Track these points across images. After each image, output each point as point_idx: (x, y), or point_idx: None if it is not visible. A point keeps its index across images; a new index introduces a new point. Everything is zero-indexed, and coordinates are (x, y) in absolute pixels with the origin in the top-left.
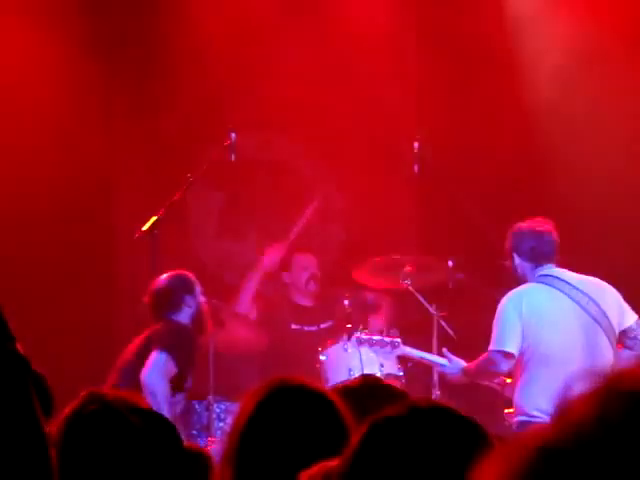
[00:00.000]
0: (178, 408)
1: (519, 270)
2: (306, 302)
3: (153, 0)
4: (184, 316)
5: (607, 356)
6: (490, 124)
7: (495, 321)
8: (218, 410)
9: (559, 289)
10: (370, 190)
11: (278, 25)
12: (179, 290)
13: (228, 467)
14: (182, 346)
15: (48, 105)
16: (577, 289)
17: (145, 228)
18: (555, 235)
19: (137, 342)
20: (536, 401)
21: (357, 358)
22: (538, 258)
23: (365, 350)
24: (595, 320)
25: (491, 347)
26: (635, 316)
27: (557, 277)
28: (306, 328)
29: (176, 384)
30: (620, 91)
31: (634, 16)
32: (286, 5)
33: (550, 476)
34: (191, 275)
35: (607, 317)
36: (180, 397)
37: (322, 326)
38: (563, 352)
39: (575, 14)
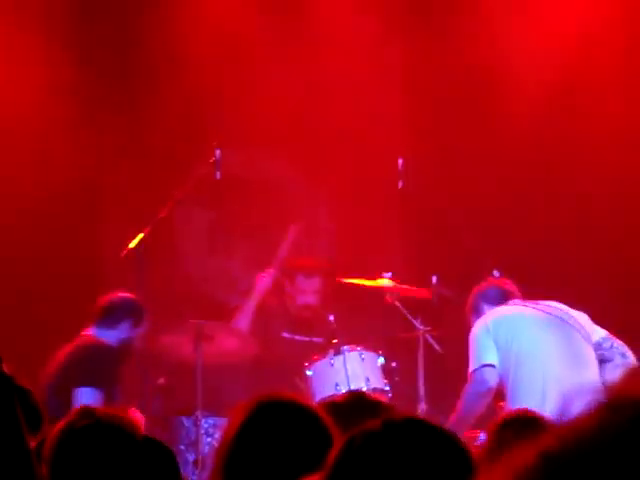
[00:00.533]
0: None
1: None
2: (305, 314)
3: (138, 16)
4: (112, 337)
5: (583, 348)
6: (471, 143)
7: (471, 345)
8: (206, 425)
9: (528, 306)
10: (355, 205)
11: (264, 42)
12: (124, 313)
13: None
14: (102, 370)
15: (31, 117)
16: (546, 305)
17: (132, 245)
18: (514, 286)
19: (61, 358)
20: (520, 395)
21: (343, 373)
22: (504, 299)
23: (351, 365)
24: (570, 325)
25: (471, 368)
26: (604, 331)
27: (525, 304)
28: (297, 337)
29: (107, 400)
30: (597, 121)
31: (611, 48)
32: (272, 23)
33: None
34: (142, 309)
35: (579, 322)
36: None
37: (314, 339)
38: (544, 363)
39: (554, 46)
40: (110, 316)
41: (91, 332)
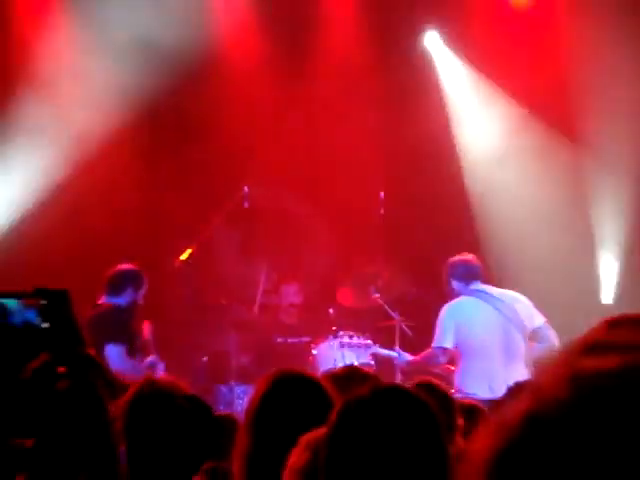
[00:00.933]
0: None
1: (456, 289)
2: (290, 321)
3: (191, 88)
4: (121, 301)
5: (520, 347)
6: (438, 182)
7: (437, 324)
8: (238, 391)
9: (484, 300)
10: (348, 227)
11: (278, 109)
12: (128, 278)
13: (246, 434)
14: (119, 325)
15: (107, 160)
16: (497, 299)
17: (183, 258)
18: (478, 262)
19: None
20: (470, 383)
21: (340, 352)
22: (468, 278)
23: (347, 347)
24: (510, 321)
25: (433, 344)
26: (543, 319)
27: (483, 291)
28: (289, 340)
29: (130, 352)
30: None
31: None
32: (284, 96)
33: (538, 441)
34: (141, 275)
35: (520, 318)
36: (139, 358)
37: (303, 339)
38: (487, 346)
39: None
40: (116, 285)
41: (103, 300)
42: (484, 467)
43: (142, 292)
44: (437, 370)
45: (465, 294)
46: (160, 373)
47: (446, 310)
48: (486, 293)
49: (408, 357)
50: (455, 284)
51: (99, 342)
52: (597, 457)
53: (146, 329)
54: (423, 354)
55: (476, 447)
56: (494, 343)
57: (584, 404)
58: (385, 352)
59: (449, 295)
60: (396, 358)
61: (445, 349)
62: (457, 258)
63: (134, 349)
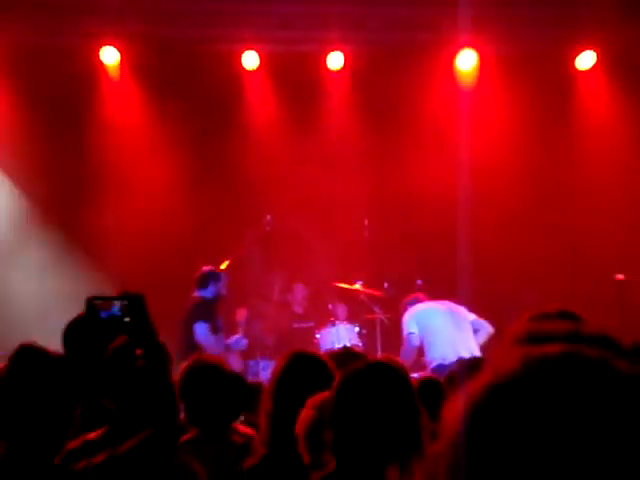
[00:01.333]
0: (220, 343)
1: (409, 305)
2: (299, 311)
3: (225, 139)
4: (207, 293)
5: (469, 330)
6: (412, 210)
7: (404, 320)
8: (262, 365)
9: (427, 303)
10: (342, 245)
11: (292, 159)
12: (210, 277)
13: (269, 397)
14: (205, 309)
15: (174, 198)
16: (439, 303)
17: (222, 267)
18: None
19: (185, 310)
20: (435, 355)
21: (337, 336)
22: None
23: (341, 332)
24: (458, 314)
25: (403, 333)
26: (474, 315)
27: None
28: (303, 325)
29: (213, 329)
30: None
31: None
32: (295, 142)
33: (498, 402)
34: (218, 273)
35: (460, 309)
36: (221, 335)
37: (309, 324)
38: (442, 325)
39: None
40: (201, 282)
41: (195, 293)
42: (459, 425)
43: (221, 286)
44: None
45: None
46: (243, 348)
47: (409, 311)
48: (429, 302)
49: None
50: (407, 305)
51: (191, 322)
52: (544, 414)
53: (240, 314)
54: (403, 349)
55: (451, 409)
56: (447, 323)
57: (533, 376)
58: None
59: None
60: None
61: (412, 333)
62: (409, 296)
63: (217, 328)
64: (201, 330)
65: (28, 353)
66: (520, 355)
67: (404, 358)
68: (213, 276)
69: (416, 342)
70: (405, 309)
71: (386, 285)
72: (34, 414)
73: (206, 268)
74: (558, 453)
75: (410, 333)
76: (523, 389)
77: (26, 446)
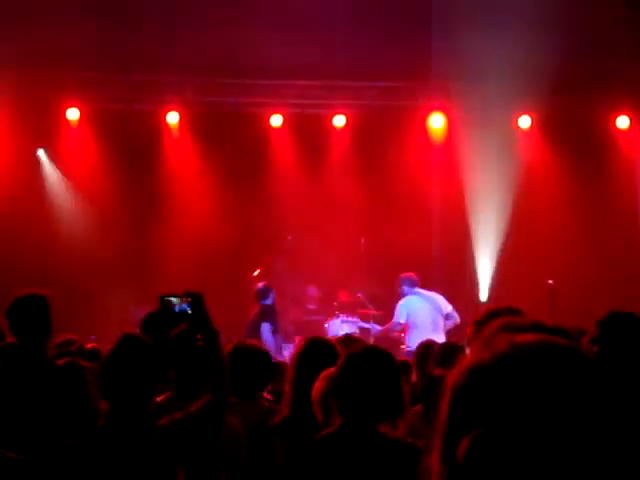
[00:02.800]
0: (278, 341)
1: (405, 292)
2: (312, 307)
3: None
4: (268, 301)
5: (440, 322)
6: (403, 231)
7: (395, 310)
8: (285, 347)
9: (421, 297)
10: (341, 259)
11: (305, 192)
12: (267, 290)
13: (291, 372)
14: (270, 314)
15: (214, 222)
16: (427, 296)
17: (255, 274)
18: (416, 277)
19: (251, 317)
20: (410, 343)
21: (340, 327)
22: (411, 285)
23: (344, 323)
24: (435, 307)
25: (393, 320)
26: (450, 306)
27: (419, 292)
28: (313, 318)
29: (274, 330)
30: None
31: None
32: (307, 184)
33: (484, 379)
34: (272, 288)
35: (440, 306)
36: (278, 335)
37: (318, 317)
38: (423, 320)
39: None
40: (263, 293)
41: (259, 302)
42: (450, 397)
43: (274, 294)
44: (395, 335)
45: (410, 294)
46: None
47: (400, 303)
48: (421, 294)
49: (378, 327)
50: (405, 289)
51: (258, 323)
52: (527, 389)
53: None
54: (386, 326)
55: (446, 384)
56: (427, 319)
57: (517, 358)
58: (366, 325)
59: (399, 297)
60: (373, 328)
61: (400, 323)
62: (405, 274)
63: (276, 329)
64: (266, 329)
65: (130, 340)
66: (506, 342)
67: (387, 331)
68: (269, 288)
69: (398, 329)
70: (401, 283)
71: (361, 295)
72: (131, 384)
73: (260, 284)
74: (545, 423)
75: (398, 322)
76: (513, 368)
77: (124, 406)
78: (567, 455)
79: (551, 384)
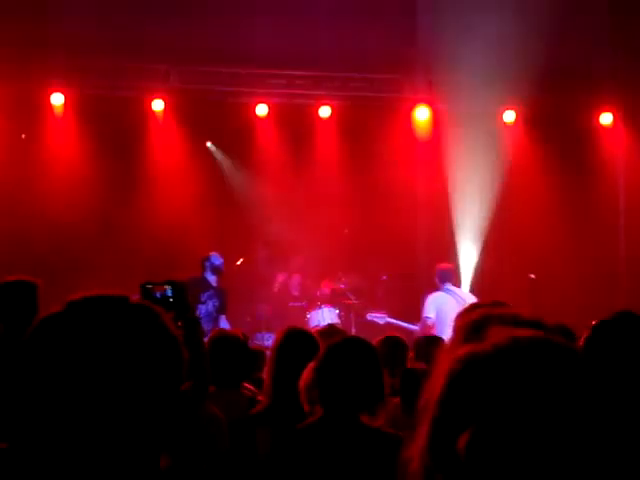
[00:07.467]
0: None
1: (438, 284)
2: (296, 293)
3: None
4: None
5: None
6: (386, 222)
7: (425, 304)
8: (267, 336)
9: (450, 293)
10: (327, 246)
11: (291, 183)
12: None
13: (271, 361)
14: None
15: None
16: (457, 294)
17: (238, 263)
18: (453, 270)
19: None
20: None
21: (321, 317)
22: (443, 280)
23: (325, 313)
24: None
25: (423, 315)
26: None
27: (450, 289)
28: (297, 304)
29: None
30: None
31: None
32: (294, 176)
33: (479, 373)
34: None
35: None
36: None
37: (302, 304)
38: (450, 318)
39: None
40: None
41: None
42: (446, 383)
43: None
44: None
45: (441, 289)
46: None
47: (430, 297)
48: (452, 291)
49: (414, 327)
50: (437, 280)
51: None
52: (525, 381)
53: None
54: (420, 323)
55: (440, 369)
56: (453, 313)
57: (517, 350)
58: (404, 324)
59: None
60: (410, 327)
61: (429, 317)
62: (440, 265)
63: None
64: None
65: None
66: (507, 335)
67: (417, 329)
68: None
69: (430, 324)
70: (437, 275)
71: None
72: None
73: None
74: (542, 416)
75: (427, 317)
76: (514, 359)
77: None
78: (567, 452)
79: (549, 378)
